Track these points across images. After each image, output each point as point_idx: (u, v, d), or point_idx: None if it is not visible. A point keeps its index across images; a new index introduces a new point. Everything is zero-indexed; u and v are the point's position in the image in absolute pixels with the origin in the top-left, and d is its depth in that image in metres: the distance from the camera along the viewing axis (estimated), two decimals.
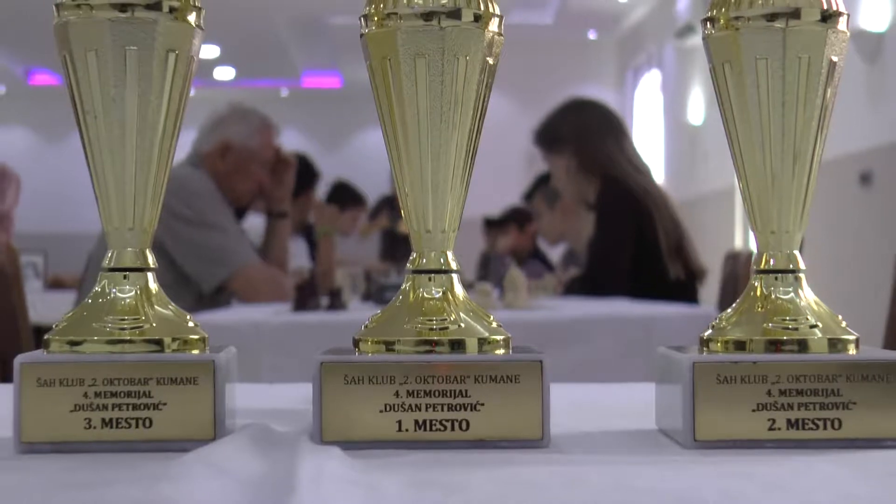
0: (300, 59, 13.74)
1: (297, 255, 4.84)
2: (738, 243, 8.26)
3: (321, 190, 6.26)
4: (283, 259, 4.03)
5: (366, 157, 10.54)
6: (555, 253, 5.99)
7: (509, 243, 7.19)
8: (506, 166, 10.24)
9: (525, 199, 6.10)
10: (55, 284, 7.81)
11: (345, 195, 6.94)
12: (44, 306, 5.36)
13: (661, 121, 11.02)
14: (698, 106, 9.68)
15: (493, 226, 7.54)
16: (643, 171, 4.40)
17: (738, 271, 3.95)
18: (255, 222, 4.24)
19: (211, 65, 13.58)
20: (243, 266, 3.58)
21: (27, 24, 10.89)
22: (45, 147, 14.99)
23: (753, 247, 0.88)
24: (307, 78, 14.82)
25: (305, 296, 3.02)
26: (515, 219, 7.46)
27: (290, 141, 8.72)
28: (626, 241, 4.17)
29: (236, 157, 3.77)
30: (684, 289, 4.19)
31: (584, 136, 4.37)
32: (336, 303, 3.05)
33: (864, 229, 6.26)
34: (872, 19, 6.13)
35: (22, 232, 6.73)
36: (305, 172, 5.21)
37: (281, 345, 2.53)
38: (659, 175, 8.64)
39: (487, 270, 5.59)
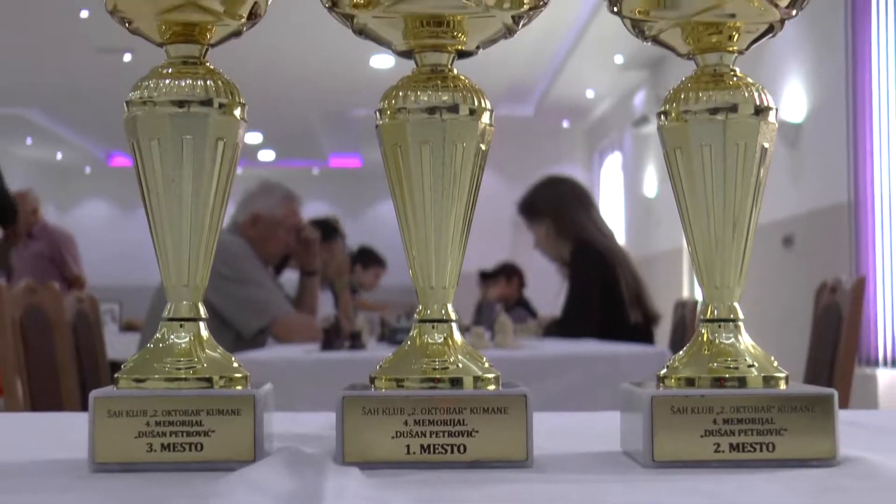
0: (328, 144, 13.81)
1: (324, 303, 4.83)
2: (685, 293, 8.26)
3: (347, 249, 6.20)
4: (314, 308, 4.02)
5: (381, 225, 10.57)
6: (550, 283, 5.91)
7: (498, 293, 7.18)
8: (495, 230, 10.25)
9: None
10: (128, 328, 7.81)
11: (368, 257, 6.95)
12: (119, 346, 5.37)
13: (621, 193, 11.06)
14: (652, 181, 9.71)
15: (485, 278, 7.53)
16: (608, 235, 4.40)
17: (686, 316, 3.94)
18: (290, 277, 4.25)
19: (255, 148, 13.65)
20: (283, 315, 3.58)
21: (108, 116, 11.00)
22: (121, 216, 15.05)
23: (699, 296, 0.87)
24: (333, 159, 14.89)
25: (331, 338, 3.01)
26: (504, 272, 7.46)
27: (319, 211, 8.74)
28: (595, 292, 4.16)
29: (265, 225, 3.78)
30: (642, 331, 4.18)
31: (558, 206, 4.38)
32: (357, 343, 3.04)
33: (787, 283, 6.25)
34: (792, 112, 6.18)
35: (101, 285, 6.74)
36: (332, 231, 5.20)
37: (311, 379, 2.52)
38: (621, 238, 8.64)
39: (481, 316, 5.57)
